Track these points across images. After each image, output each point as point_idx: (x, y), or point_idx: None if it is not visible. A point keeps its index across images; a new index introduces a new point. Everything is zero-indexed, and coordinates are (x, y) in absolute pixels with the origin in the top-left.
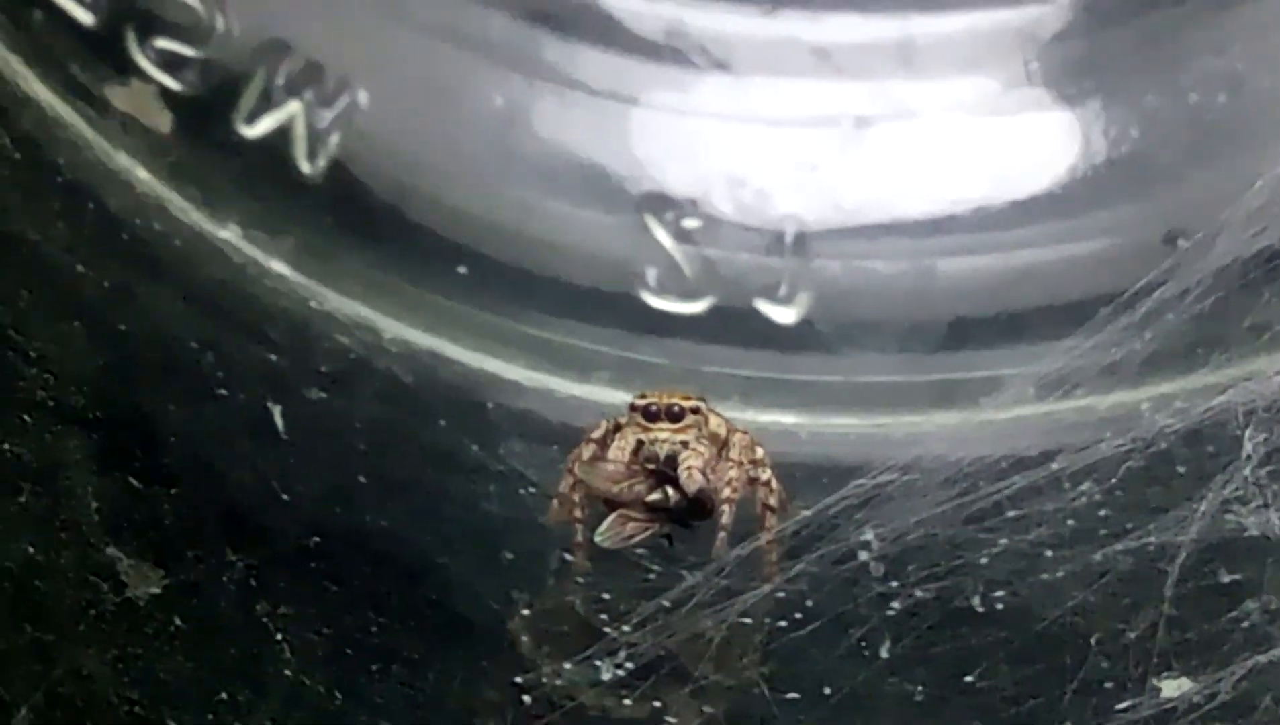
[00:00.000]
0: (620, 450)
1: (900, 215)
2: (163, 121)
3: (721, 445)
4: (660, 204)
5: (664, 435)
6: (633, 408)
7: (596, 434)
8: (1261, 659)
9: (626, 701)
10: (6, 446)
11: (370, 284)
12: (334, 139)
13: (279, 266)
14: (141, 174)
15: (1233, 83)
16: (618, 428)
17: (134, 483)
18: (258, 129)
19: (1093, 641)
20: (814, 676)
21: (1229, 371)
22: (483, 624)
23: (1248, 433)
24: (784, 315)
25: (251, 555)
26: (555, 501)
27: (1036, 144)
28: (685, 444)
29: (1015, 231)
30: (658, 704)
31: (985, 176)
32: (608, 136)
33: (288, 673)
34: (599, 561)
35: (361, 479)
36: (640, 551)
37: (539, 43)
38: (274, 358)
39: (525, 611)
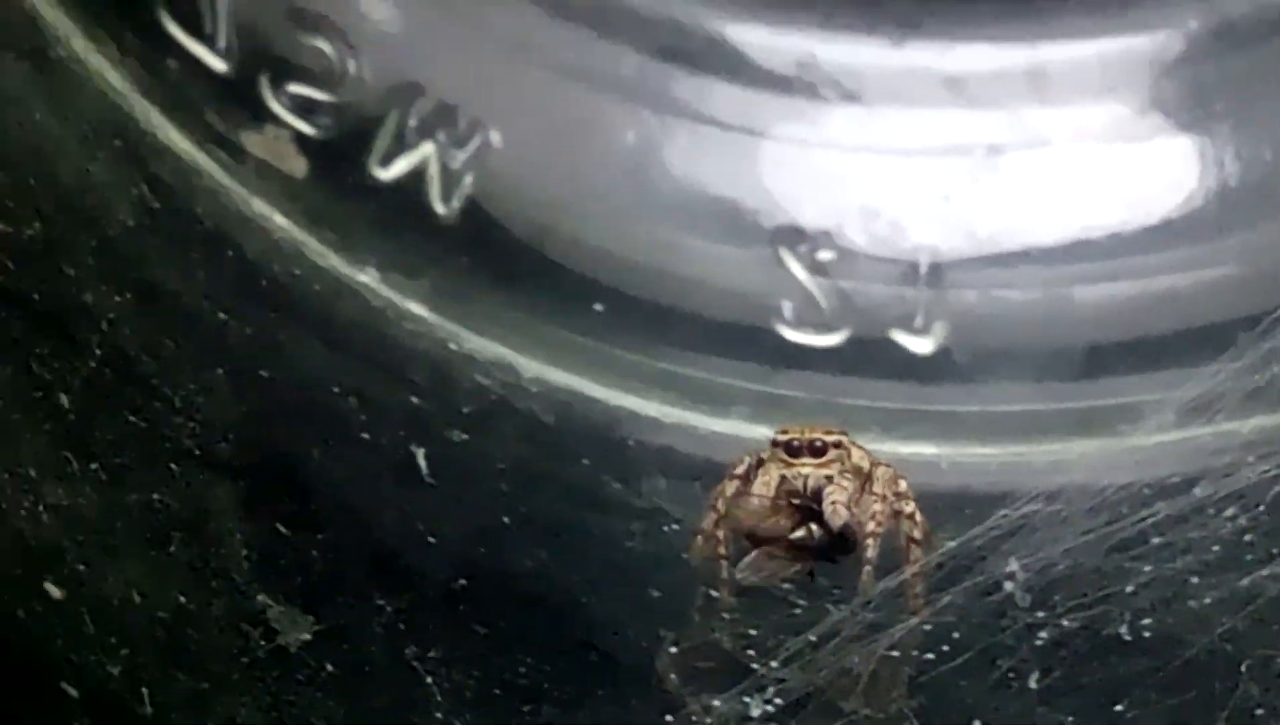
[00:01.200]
0: (764, 486)
1: (1034, 243)
2: (298, 166)
3: (865, 479)
4: (794, 237)
5: (807, 470)
6: (775, 443)
7: (740, 469)
8: None
9: None
10: (155, 496)
11: (507, 324)
12: (468, 179)
13: (417, 308)
14: (279, 219)
15: None
16: (760, 463)
17: (281, 529)
18: (392, 171)
19: (1243, 668)
20: (963, 709)
21: None
22: (630, 662)
23: None
24: (921, 346)
25: (399, 599)
26: (699, 538)
27: (1169, 169)
28: (829, 478)
29: (1150, 257)
30: None
31: (1119, 202)
32: (740, 171)
33: (439, 715)
34: (744, 597)
35: (506, 520)
36: (786, 586)
37: (670, 79)
38: (415, 400)
39: (673, 649)
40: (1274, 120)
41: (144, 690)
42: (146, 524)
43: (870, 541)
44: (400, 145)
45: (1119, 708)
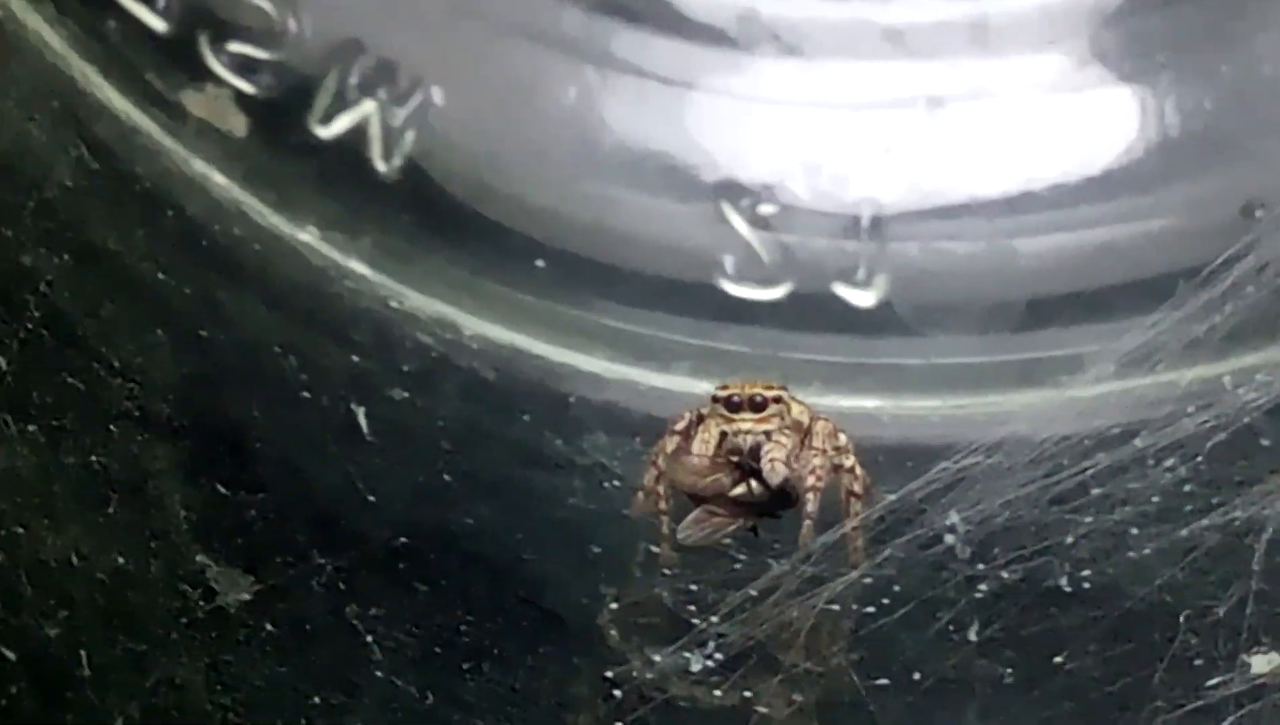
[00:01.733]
0: (704, 443)
1: (977, 195)
2: (238, 125)
3: (804, 433)
4: (736, 191)
5: (747, 426)
6: (715, 399)
7: (680, 425)
8: None
9: (717, 692)
10: (94, 458)
11: (449, 282)
12: (409, 137)
13: (358, 267)
14: (218, 179)
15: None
16: (700, 419)
17: (221, 490)
18: (333, 130)
19: (1181, 619)
20: (903, 662)
21: None
22: (572, 619)
23: None
24: (863, 299)
25: (340, 558)
26: (640, 494)
27: (1111, 120)
28: (768, 434)
29: (1092, 208)
30: (748, 694)
31: (1061, 154)
32: (681, 126)
33: (379, 674)
34: (685, 553)
35: (447, 478)
36: (727, 542)
37: (611, 34)
38: (356, 359)
39: (614, 605)
40: (1214, 71)
41: (83, 652)
42: (85, 486)
43: (810, 496)
44: (341, 103)
45: (1058, 659)
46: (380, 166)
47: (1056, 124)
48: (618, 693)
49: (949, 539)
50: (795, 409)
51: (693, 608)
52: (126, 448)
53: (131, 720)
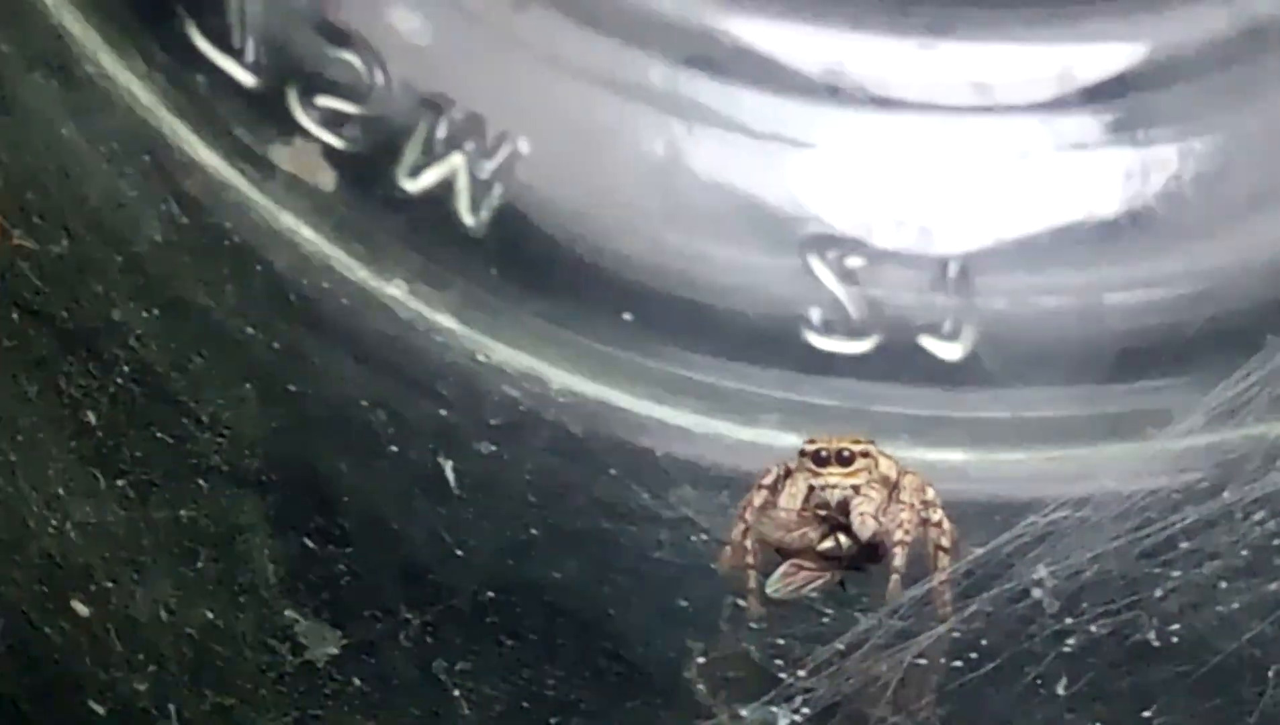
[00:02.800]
0: (791, 497)
1: (1064, 247)
2: (326, 180)
3: (892, 487)
4: (823, 244)
5: (835, 479)
6: (803, 453)
7: (767, 480)
8: None
9: None
10: (182, 512)
11: (536, 335)
12: (496, 190)
13: (445, 320)
14: (307, 233)
15: None
16: (788, 473)
17: (309, 544)
18: (420, 183)
19: (1271, 673)
20: (992, 717)
21: None
22: (659, 673)
23: None
24: (950, 351)
25: (427, 612)
26: (727, 548)
27: (1199, 172)
28: (856, 488)
29: (1182, 261)
30: None
31: (1150, 206)
32: (768, 178)
33: None
34: (773, 607)
35: (534, 531)
36: (814, 595)
37: (698, 86)
38: (443, 412)
39: (701, 659)
40: None
41: (171, 706)
42: (174, 540)
43: (898, 550)
44: (428, 157)
45: (1147, 714)
46: (468, 220)
47: (1145, 176)
48: None
49: (1036, 593)
50: (883, 463)
51: (780, 662)
52: (215, 502)
53: None
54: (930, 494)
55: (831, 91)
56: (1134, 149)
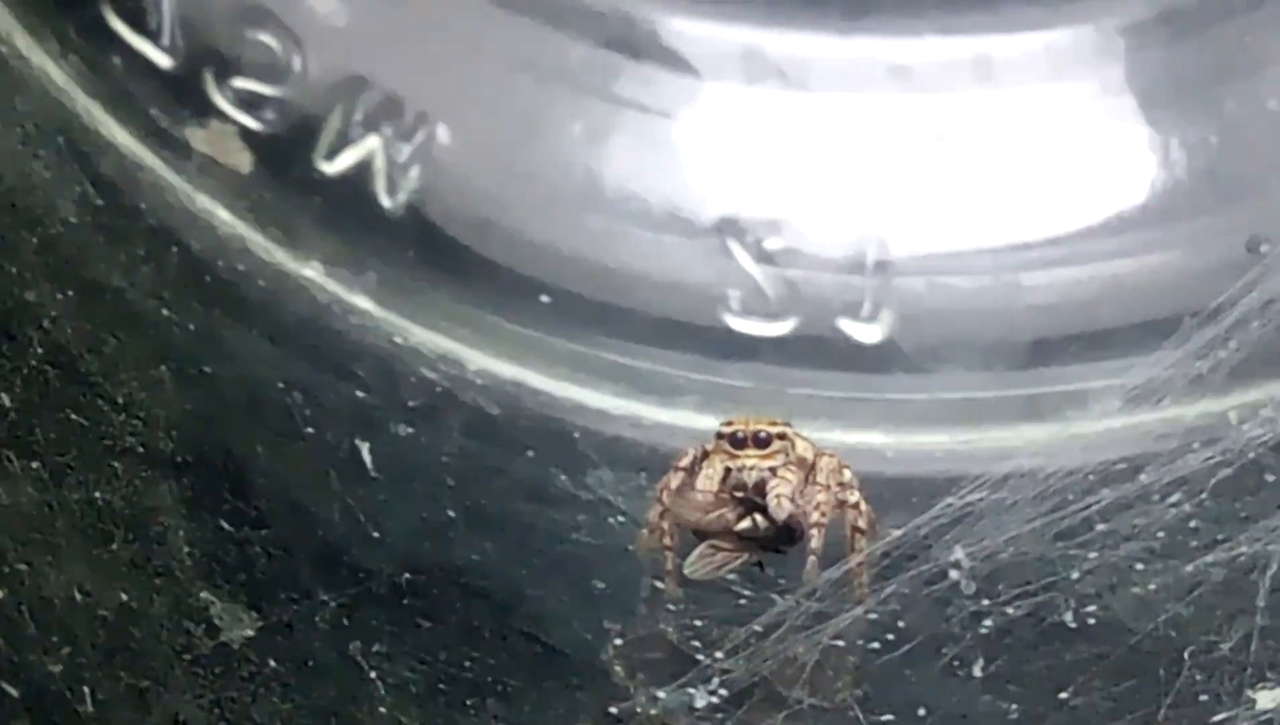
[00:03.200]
0: (708, 478)
1: (982, 230)
2: (243, 161)
3: (809, 469)
4: (741, 227)
5: (751, 462)
6: (719, 435)
7: (684, 462)
8: None
9: None
10: (97, 494)
11: (454, 317)
12: (414, 173)
13: (362, 302)
14: (223, 215)
15: None
16: (705, 455)
17: (225, 526)
18: (338, 166)
19: (1186, 654)
20: (908, 698)
21: None
22: (576, 655)
23: None
24: (868, 334)
25: (344, 594)
26: (644, 530)
27: (1116, 156)
28: (773, 470)
29: (1098, 244)
30: None
31: (1066, 190)
32: (687, 162)
33: (383, 710)
34: (690, 588)
35: (451, 513)
36: (731, 577)
37: (617, 70)
38: (361, 395)
39: (618, 641)
40: (1219, 108)
41: (85, 689)
42: (88, 522)
43: (815, 532)
44: (346, 139)
45: (1064, 695)
46: (385, 202)
47: (1062, 160)
48: None
49: (954, 575)
50: (800, 445)
51: (697, 643)
52: (130, 484)
53: None
54: (847, 476)
55: (749, 75)
56: (1052, 132)
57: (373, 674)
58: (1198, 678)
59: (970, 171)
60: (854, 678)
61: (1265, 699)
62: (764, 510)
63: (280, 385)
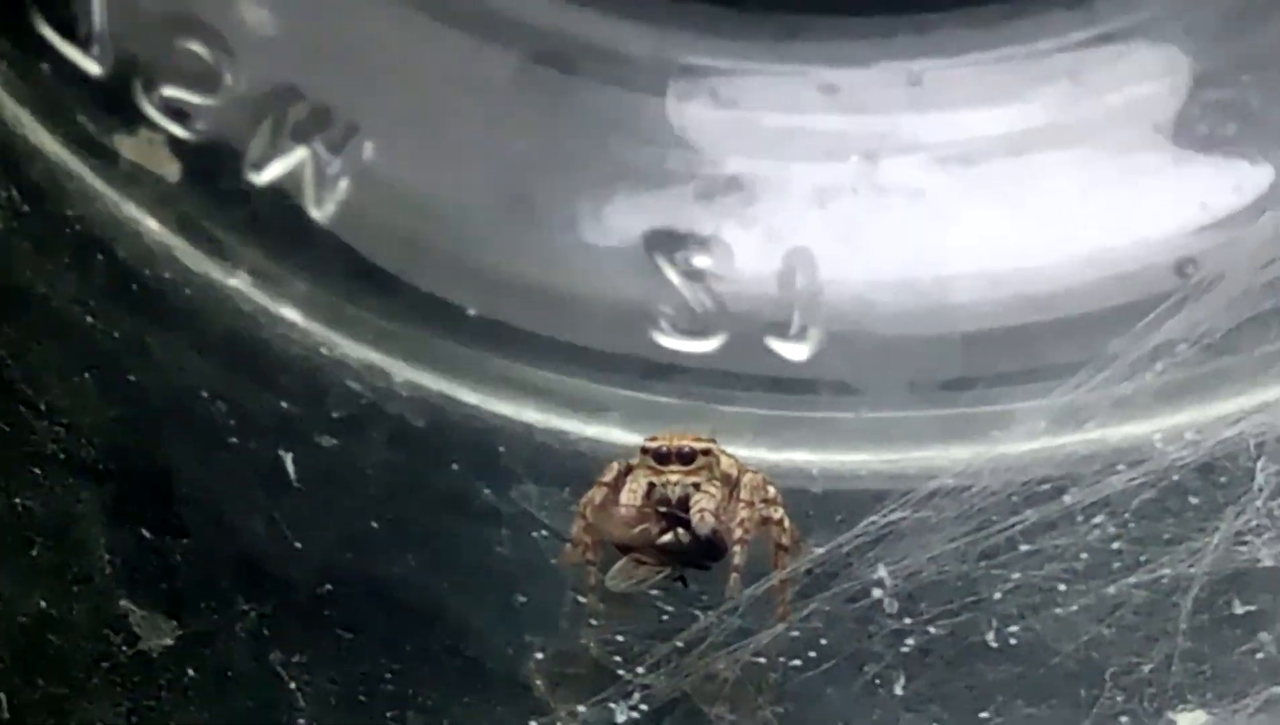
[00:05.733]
0: (632, 493)
1: (911, 250)
2: (171, 170)
3: (733, 485)
4: (670, 243)
5: (675, 477)
6: (643, 450)
7: (608, 477)
8: (1277, 690)
9: None
10: (18, 500)
11: (380, 329)
12: (343, 184)
13: (289, 313)
14: (151, 223)
15: (1242, 111)
16: (629, 470)
17: (146, 534)
18: (266, 176)
19: (1107, 675)
20: (829, 715)
21: (1240, 402)
22: (497, 669)
23: (1260, 464)
24: (796, 352)
25: (264, 604)
26: (568, 545)
27: (1047, 178)
28: (697, 486)
29: (1027, 265)
30: None
31: (996, 211)
32: (615, 177)
33: (302, 721)
34: (612, 604)
35: (374, 525)
36: (654, 592)
37: (548, 84)
38: (285, 405)
39: (539, 655)
40: (1155, 132)
41: (2, 695)
42: (8, 528)
43: (738, 548)
44: (275, 149)
45: (984, 715)
46: (314, 213)
47: (992, 181)
48: None
49: (876, 593)
50: (724, 461)
51: (619, 659)
52: (51, 491)
53: None
54: (771, 492)
55: (681, 90)
56: (981, 150)
57: (292, 685)
58: (1119, 699)
59: (900, 191)
60: (775, 695)
61: (1185, 721)
62: (687, 524)
63: (204, 394)
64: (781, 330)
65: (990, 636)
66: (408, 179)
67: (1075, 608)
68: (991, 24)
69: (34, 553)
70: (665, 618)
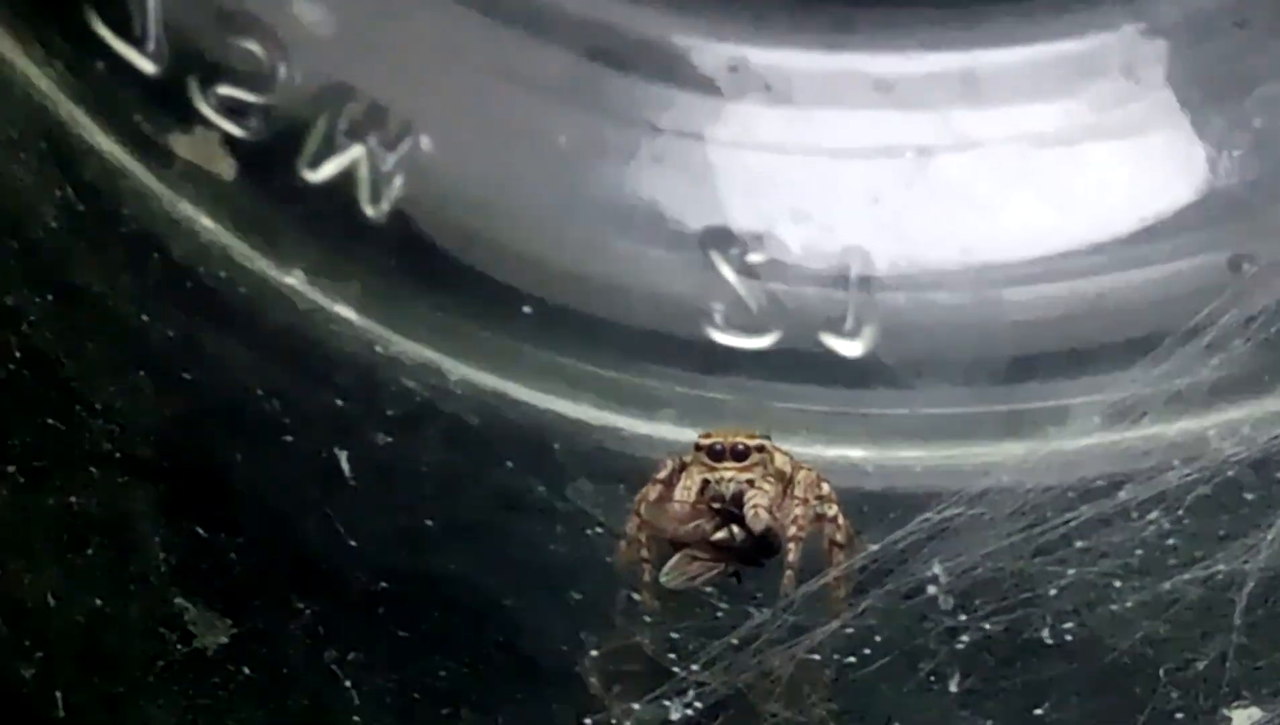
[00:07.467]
0: (686, 490)
1: (965, 246)
2: (226, 169)
3: (787, 482)
4: (725, 240)
5: (729, 474)
6: (698, 447)
7: (662, 474)
8: None
9: None
10: (73, 499)
11: (435, 327)
12: (398, 182)
13: (344, 311)
14: (206, 222)
15: None
16: (683, 467)
17: (201, 532)
18: (321, 174)
19: (1162, 672)
20: (883, 712)
21: None
22: (552, 666)
23: None
24: (850, 349)
25: (319, 602)
26: (622, 542)
27: (1099, 172)
28: (751, 482)
29: (1081, 261)
30: None
31: (1049, 206)
32: (671, 174)
33: (357, 719)
34: (667, 601)
35: (429, 523)
36: (708, 590)
37: (602, 81)
38: (340, 403)
39: (594, 653)
40: (1207, 126)
41: (58, 694)
42: (64, 527)
43: (792, 545)
44: (330, 147)
45: (1039, 711)
46: (368, 211)
47: (1045, 176)
48: None
49: (931, 590)
50: (778, 458)
51: (673, 656)
52: (106, 489)
53: None
54: (825, 489)
55: (734, 87)
56: (1035, 148)
57: (347, 683)
58: (1173, 695)
59: (954, 187)
60: (829, 692)
61: (1240, 718)
62: (741, 521)
63: (260, 392)
64: (836, 326)
65: (1045, 633)
66: (462, 175)
67: (1130, 604)
68: (1043, 18)
69: (89, 551)
70: (719, 615)
